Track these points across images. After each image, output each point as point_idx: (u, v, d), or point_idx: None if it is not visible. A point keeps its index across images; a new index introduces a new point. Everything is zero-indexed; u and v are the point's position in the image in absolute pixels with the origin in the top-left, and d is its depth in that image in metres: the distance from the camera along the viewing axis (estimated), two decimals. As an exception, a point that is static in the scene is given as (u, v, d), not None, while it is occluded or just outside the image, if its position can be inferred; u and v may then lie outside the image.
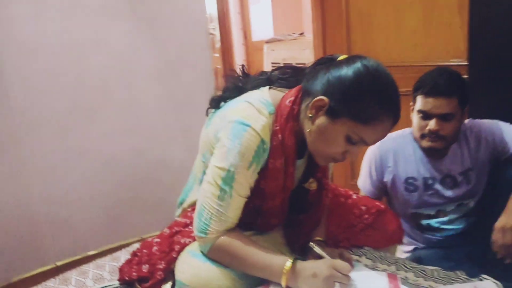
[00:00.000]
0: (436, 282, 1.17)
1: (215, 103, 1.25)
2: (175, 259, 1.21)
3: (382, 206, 1.48)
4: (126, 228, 2.19)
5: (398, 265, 1.29)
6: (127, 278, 1.27)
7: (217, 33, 4.23)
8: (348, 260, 1.18)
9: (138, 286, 1.26)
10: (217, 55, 4.17)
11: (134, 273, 1.26)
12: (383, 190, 1.77)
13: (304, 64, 1.32)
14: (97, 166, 2.12)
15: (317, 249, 1.17)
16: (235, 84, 1.26)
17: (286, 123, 1.13)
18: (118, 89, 2.14)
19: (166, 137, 2.30)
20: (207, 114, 1.29)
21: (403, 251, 1.77)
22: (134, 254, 1.34)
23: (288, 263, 1.08)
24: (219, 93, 1.29)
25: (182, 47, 2.29)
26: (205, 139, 1.23)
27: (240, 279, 1.13)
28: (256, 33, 5.32)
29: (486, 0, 1.94)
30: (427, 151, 1.65)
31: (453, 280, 1.17)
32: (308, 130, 1.12)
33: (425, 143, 1.61)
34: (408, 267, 1.27)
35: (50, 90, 1.98)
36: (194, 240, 1.20)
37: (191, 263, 1.16)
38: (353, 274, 1.08)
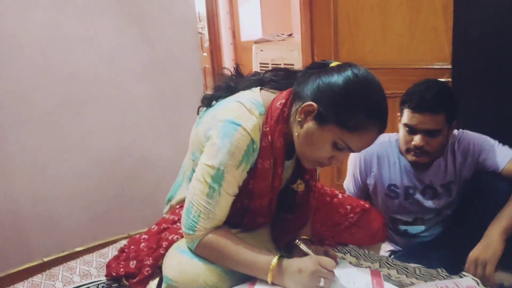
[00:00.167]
0: (418, 279, 1.20)
1: (207, 102, 1.27)
2: (163, 255, 1.22)
3: (367, 205, 1.51)
4: (113, 225, 2.19)
5: (381, 262, 1.32)
6: (114, 274, 1.28)
7: (205, 32, 4.23)
8: (333, 257, 1.21)
9: (125, 282, 1.27)
10: (206, 54, 4.18)
11: (122, 269, 1.27)
12: (366, 192, 1.78)
13: (292, 65, 1.34)
14: (84, 163, 2.12)
15: (302, 246, 1.20)
16: (227, 84, 1.27)
17: (276, 125, 1.15)
18: (106, 86, 2.14)
19: (154, 134, 2.31)
20: (198, 113, 1.30)
21: (384, 251, 1.80)
22: (121, 250, 1.35)
23: (274, 259, 1.10)
24: (211, 91, 1.30)
25: (171, 45, 2.30)
26: (195, 138, 1.24)
27: (227, 276, 1.14)
28: (245, 33, 5.33)
29: (470, 5, 1.97)
30: (412, 162, 1.64)
31: (434, 277, 1.21)
32: (296, 134, 1.14)
33: (410, 157, 1.60)
34: (391, 264, 1.31)
35: (38, 87, 1.97)
36: (182, 236, 1.21)
37: (178, 260, 1.17)
38: (338, 271, 1.10)
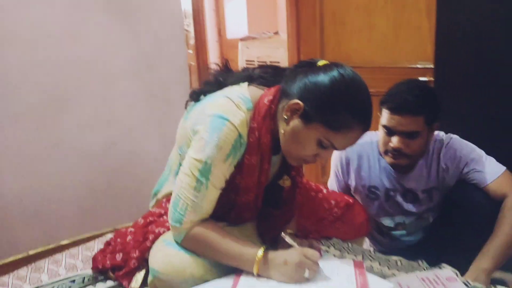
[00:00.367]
0: (399, 271, 1.23)
1: (195, 96, 1.28)
2: (149, 248, 1.22)
3: (351, 200, 1.54)
4: (99, 218, 2.18)
5: (364, 255, 1.35)
6: (100, 267, 1.29)
7: (191, 29, 4.22)
8: (317, 250, 1.23)
9: (111, 274, 1.28)
10: (191, 51, 4.17)
11: (108, 262, 1.28)
12: (349, 192, 1.75)
13: (278, 62, 1.36)
14: (71, 157, 2.11)
15: (288, 239, 1.22)
16: (216, 78, 1.29)
17: (263, 121, 1.16)
18: (93, 81, 2.13)
19: (140, 129, 2.31)
20: (186, 107, 1.31)
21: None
22: (107, 243, 1.36)
23: (260, 251, 1.11)
24: (199, 86, 1.31)
25: (158, 41, 2.30)
26: (182, 132, 1.25)
27: (213, 268, 1.16)
28: (231, 31, 5.33)
29: (452, 5, 2.01)
30: (391, 164, 1.61)
31: (415, 268, 1.24)
32: (282, 131, 1.16)
33: (388, 159, 1.56)
34: (374, 257, 1.34)
35: (25, 81, 1.96)
36: (168, 230, 1.22)
37: (165, 252, 1.18)
38: (322, 262, 1.12)
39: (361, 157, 1.67)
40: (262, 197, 1.28)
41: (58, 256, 1.40)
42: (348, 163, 1.70)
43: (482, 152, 1.54)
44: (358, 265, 1.14)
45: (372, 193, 1.66)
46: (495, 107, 1.94)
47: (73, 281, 1.26)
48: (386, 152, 1.55)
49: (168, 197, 1.32)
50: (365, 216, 1.55)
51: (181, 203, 1.14)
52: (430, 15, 2.21)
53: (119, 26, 2.16)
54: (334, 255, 1.32)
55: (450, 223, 1.53)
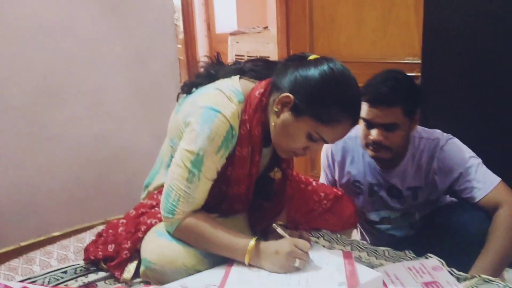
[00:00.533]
0: (387, 260, 1.26)
1: (187, 88, 1.29)
2: (141, 239, 1.24)
3: (340, 192, 1.57)
4: (90, 211, 2.18)
5: (353, 245, 1.38)
6: (92, 258, 1.29)
7: (180, 24, 4.21)
8: (308, 240, 1.25)
9: (103, 265, 1.28)
10: (180, 46, 4.16)
11: (100, 253, 1.28)
12: (336, 184, 1.75)
13: (268, 57, 1.37)
14: (62, 151, 2.11)
15: (279, 230, 1.24)
16: (208, 71, 1.30)
17: (254, 113, 1.18)
18: (84, 75, 2.13)
19: (131, 123, 2.31)
20: (177, 100, 1.32)
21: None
22: (99, 234, 1.36)
23: (252, 242, 1.13)
24: (191, 79, 1.32)
25: (149, 35, 2.30)
26: (174, 124, 1.26)
27: (205, 258, 1.17)
28: (220, 25, 5.32)
29: (440, 1, 2.03)
30: (374, 158, 1.58)
31: (402, 258, 1.27)
32: (273, 124, 1.18)
33: (370, 152, 1.53)
34: (362, 247, 1.37)
35: (15, 75, 1.95)
36: (160, 221, 1.23)
37: (157, 243, 1.19)
38: (312, 253, 1.14)
39: (346, 151, 1.67)
40: (253, 189, 1.29)
41: (49, 247, 1.40)
42: (333, 158, 1.71)
43: (479, 160, 1.48)
44: (347, 255, 1.16)
45: (357, 187, 1.67)
46: (481, 102, 1.98)
47: (65, 272, 1.26)
48: (367, 145, 1.53)
49: (159, 189, 1.33)
50: (353, 208, 1.58)
51: (174, 194, 1.15)
52: (418, 11, 2.23)
53: (110, 19, 2.16)
54: (324, 246, 1.35)
55: (436, 231, 1.50)
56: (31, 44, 1.97)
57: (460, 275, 1.15)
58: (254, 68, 1.28)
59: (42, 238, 2.01)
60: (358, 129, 1.57)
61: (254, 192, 1.31)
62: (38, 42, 1.98)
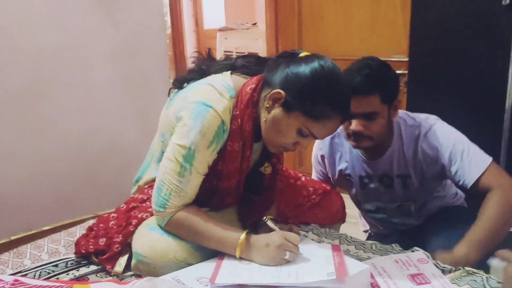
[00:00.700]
0: (374, 254, 1.29)
1: (179, 84, 1.29)
2: (132, 232, 1.24)
3: (328, 187, 1.59)
4: (80, 205, 2.18)
5: (341, 239, 1.41)
6: (83, 251, 1.30)
7: (168, 19, 4.19)
8: (297, 233, 1.27)
9: (94, 259, 1.29)
10: (168, 41, 4.15)
11: (91, 246, 1.29)
12: (329, 180, 1.76)
13: (257, 53, 1.39)
14: (51, 145, 2.10)
15: (270, 223, 1.26)
16: (199, 66, 1.31)
17: (246, 109, 1.19)
18: (73, 68, 2.12)
19: (120, 118, 2.31)
20: (169, 95, 1.32)
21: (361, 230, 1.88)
22: (90, 228, 1.36)
23: (243, 235, 1.15)
24: (181, 74, 1.33)
25: (138, 29, 2.30)
26: (165, 120, 1.27)
27: (197, 251, 1.19)
28: (208, 21, 5.31)
29: (426, 1, 2.07)
30: (356, 148, 1.56)
31: (389, 251, 1.30)
32: (264, 119, 1.20)
33: (351, 143, 1.50)
34: (350, 241, 1.39)
35: (3, 68, 1.93)
36: (151, 215, 1.24)
37: (148, 236, 1.20)
38: (301, 246, 1.17)
39: (333, 148, 1.68)
40: (243, 183, 1.31)
41: (40, 241, 1.40)
42: (323, 152, 1.72)
43: (465, 144, 1.44)
44: (335, 248, 1.19)
45: (348, 181, 1.69)
46: (467, 99, 2.02)
47: (56, 265, 1.27)
48: (348, 136, 1.49)
49: (150, 183, 1.34)
50: (341, 203, 1.60)
51: (165, 188, 1.17)
52: (404, 10, 2.27)
53: (99, 13, 2.15)
54: (313, 240, 1.37)
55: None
56: (18, 38, 1.95)
57: (445, 267, 1.18)
58: (246, 64, 1.30)
59: (32, 232, 2.01)
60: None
61: (244, 187, 1.33)
62: (26, 36, 1.97)
